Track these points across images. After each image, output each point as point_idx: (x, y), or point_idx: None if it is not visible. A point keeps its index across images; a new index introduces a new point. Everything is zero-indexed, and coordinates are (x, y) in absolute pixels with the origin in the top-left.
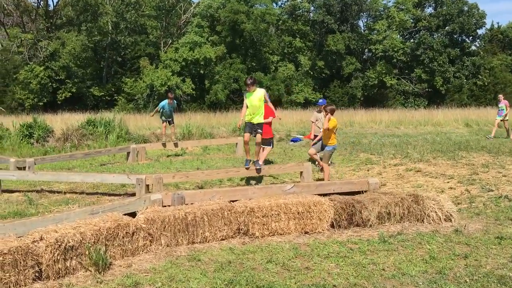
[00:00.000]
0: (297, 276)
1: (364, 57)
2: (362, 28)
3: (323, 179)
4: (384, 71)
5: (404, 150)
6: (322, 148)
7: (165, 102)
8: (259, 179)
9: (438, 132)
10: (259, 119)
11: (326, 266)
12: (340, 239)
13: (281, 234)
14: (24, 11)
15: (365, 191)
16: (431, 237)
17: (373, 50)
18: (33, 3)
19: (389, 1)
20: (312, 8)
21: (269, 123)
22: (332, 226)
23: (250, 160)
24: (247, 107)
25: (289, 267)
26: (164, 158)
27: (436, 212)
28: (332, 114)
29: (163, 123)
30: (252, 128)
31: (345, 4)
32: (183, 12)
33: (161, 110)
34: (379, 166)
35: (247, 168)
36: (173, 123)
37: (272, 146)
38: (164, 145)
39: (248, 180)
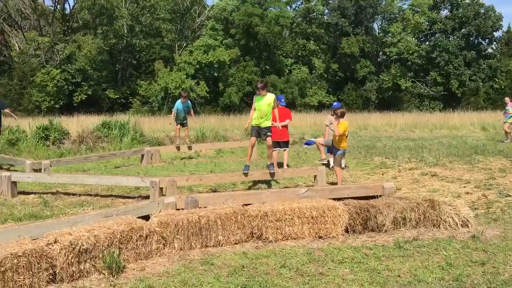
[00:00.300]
0: (311, 282)
1: (378, 59)
2: (377, 30)
3: (336, 183)
4: (398, 74)
5: (420, 154)
6: (330, 149)
7: (178, 102)
8: (268, 183)
9: (454, 135)
10: (267, 123)
11: (340, 272)
12: (354, 244)
13: (295, 239)
14: (41, 15)
15: (380, 196)
16: (448, 243)
17: (388, 53)
18: (50, 7)
19: (404, 4)
20: (326, 10)
21: (286, 126)
22: (347, 231)
23: (249, 166)
24: (255, 110)
25: (303, 272)
26: (178, 161)
27: (452, 217)
28: (342, 117)
29: (176, 125)
30: (259, 132)
31: (360, 6)
32: (197, 15)
33: (177, 111)
34: (394, 170)
35: (245, 174)
36: (187, 125)
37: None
38: (178, 148)
39: (255, 183)
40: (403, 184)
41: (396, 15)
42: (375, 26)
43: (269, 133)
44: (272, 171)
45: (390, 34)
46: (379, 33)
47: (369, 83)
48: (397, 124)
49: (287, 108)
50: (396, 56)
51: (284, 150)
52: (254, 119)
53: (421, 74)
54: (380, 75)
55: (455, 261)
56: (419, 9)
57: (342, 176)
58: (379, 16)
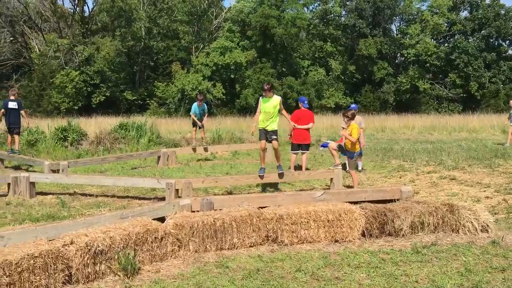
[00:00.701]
0: (327, 287)
1: (396, 61)
2: (395, 32)
3: (353, 186)
4: (417, 76)
5: (438, 157)
6: (343, 149)
7: (195, 106)
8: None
9: (474, 138)
10: (273, 126)
11: (356, 277)
12: (371, 248)
13: (310, 242)
14: (61, 17)
15: (397, 200)
16: (467, 248)
17: (406, 55)
18: (69, 9)
19: (423, 5)
20: (343, 12)
21: (309, 129)
22: (363, 235)
23: (265, 168)
24: (260, 112)
25: (318, 276)
26: (194, 163)
27: (472, 222)
28: (353, 119)
29: (193, 127)
30: (266, 134)
31: (378, 8)
32: (214, 17)
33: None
34: (411, 174)
35: (261, 176)
36: (203, 127)
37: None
38: (194, 149)
39: (264, 186)
40: (421, 188)
41: (415, 16)
42: (393, 27)
43: (274, 136)
44: (281, 172)
45: (408, 35)
46: (397, 35)
47: (386, 85)
48: (415, 126)
49: (310, 111)
50: (414, 58)
51: (304, 153)
52: (260, 122)
53: (440, 76)
54: (398, 77)
55: (474, 267)
56: (438, 10)
57: (359, 179)
58: (397, 17)
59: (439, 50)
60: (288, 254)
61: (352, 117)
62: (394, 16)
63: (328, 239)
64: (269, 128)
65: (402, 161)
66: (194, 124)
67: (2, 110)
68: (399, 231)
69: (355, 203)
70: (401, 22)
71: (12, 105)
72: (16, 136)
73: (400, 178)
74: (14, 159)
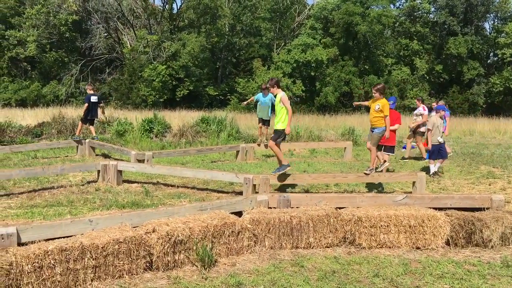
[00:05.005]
0: None
1: (488, 61)
2: (488, 30)
3: (440, 193)
4: None
5: None
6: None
7: (259, 94)
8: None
9: None
10: (277, 125)
11: (439, 287)
12: (456, 258)
13: (389, 247)
14: (151, 14)
15: (486, 208)
16: None
17: (500, 55)
18: (159, 7)
19: None
20: (432, 8)
21: (394, 131)
22: (447, 243)
23: (288, 165)
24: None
25: (397, 283)
26: (271, 159)
27: None
28: (383, 93)
29: (259, 123)
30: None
31: (470, 4)
32: (297, 14)
33: (257, 103)
34: (502, 181)
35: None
36: (268, 125)
37: (393, 152)
38: (259, 145)
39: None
40: None
41: None
42: (487, 25)
43: (272, 135)
44: (278, 172)
45: (504, 34)
46: (490, 33)
47: (476, 86)
48: (507, 131)
49: (396, 112)
50: (511, 58)
51: (388, 155)
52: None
53: None
54: (490, 78)
55: None
56: None
57: (387, 164)
58: (492, 15)
59: None
60: (365, 257)
61: (382, 91)
62: (488, 13)
63: (408, 245)
64: (275, 127)
65: (492, 168)
66: (260, 120)
67: (87, 104)
68: (487, 242)
69: (440, 209)
70: (496, 20)
71: (94, 99)
72: (91, 127)
73: (490, 185)
74: (104, 147)
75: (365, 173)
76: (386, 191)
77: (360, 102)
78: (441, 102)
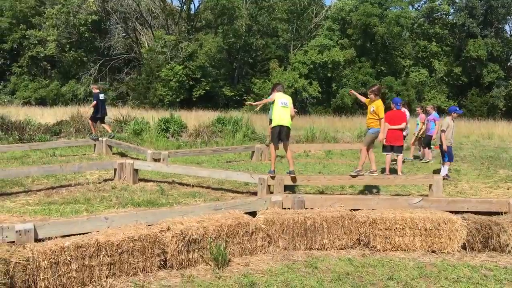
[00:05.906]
0: None
1: (509, 64)
2: (509, 32)
3: (457, 196)
4: None
5: None
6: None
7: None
8: (370, 189)
9: None
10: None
11: None
12: (472, 263)
13: (404, 250)
14: (169, 14)
15: (504, 213)
16: None
17: None
18: (177, 7)
19: None
20: (452, 10)
21: (402, 130)
22: (464, 247)
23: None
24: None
25: (412, 287)
26: (286, 160)
27: None
28: (378, 95)
29: (269, 124)
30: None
31: (490, 6)
32: (314, 15)
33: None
34: None
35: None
36: None
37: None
38: (267, 145)
39: (358, 188)
40: None
41: None
42: (507, 27)
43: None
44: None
45: None
46: (511, 36)
47: (496, 89)
48: None
49: (402, 112)
50: None
51: (397, 155)
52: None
53: None
54: (510, 81)
55: None
56: None
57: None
58: None
59: None
60: (380, 260)
61: (378, 93)
62: (508, 15)
63: (424, 249)
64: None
65: (511, 172)
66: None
67: (95, 102)
68: (504, 246)
69: (456, 213)
70: None
71: (102, 97)
72: (104, 125)
73: (508, 189)
74: (121, 146)
75: (351, 175)
76: (402, 193)
77: (356, 94)
78: (430, 107)
